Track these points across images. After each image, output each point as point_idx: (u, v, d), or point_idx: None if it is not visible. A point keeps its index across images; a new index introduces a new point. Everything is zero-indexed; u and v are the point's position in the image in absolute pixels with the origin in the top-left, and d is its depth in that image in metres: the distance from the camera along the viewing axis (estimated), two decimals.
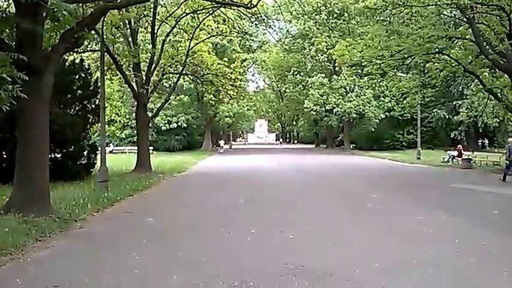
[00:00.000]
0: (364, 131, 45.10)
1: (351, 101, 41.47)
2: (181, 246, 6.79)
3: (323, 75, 44.34)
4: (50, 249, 6.57)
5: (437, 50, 20.83)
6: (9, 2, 9.89)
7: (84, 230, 8.07)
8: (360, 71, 36.52)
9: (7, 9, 9.73)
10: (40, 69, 8.55)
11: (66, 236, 7.52)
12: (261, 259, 6.05)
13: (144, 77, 20.12)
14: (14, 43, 8.58)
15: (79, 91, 15.94)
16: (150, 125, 27.36)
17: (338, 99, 42.02)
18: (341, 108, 41.53)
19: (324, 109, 43.03)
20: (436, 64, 23.11)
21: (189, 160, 28.64)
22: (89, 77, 16.78)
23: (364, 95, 41.73)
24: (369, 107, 41.54)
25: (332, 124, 46.42)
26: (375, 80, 40.61)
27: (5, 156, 13.84)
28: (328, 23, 44.34)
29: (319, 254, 6.27)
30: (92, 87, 16.45)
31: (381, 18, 26.28)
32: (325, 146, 56.42)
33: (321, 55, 43.78)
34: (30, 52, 8.00)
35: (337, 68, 44.31)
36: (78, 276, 5.33)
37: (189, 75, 29.07)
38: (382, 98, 42.77)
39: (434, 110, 40.49)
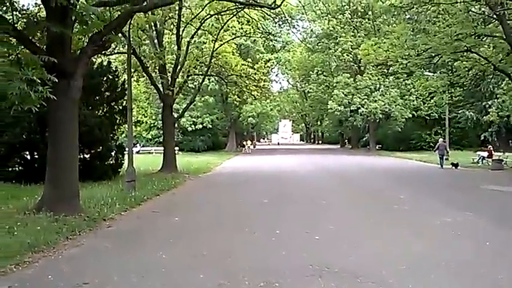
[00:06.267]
0: (390, 131, 44.38)
1: (376, 101, 40.89)
2: (206, 245, 6.85)
3: (348, 75, 43.89)
4: (80, 247, 6.74)
5: (465, 48, 20.34)
6: (40, 6, 10.19)
7: (113, 228, 8.24)
8: (385, 70, 36.00)
9: (38, 14, 10.05)
10: (69, 72, 8.77)
11: (95, 234, 7.70)
12: (286, 259, 6.04)
13: (170, 79, 20.38)
14: (44, 46, 8.82)
15: (107, 93, 16.27)
16: (176, 125, 27.68)
17: (363, 99, 41.49)
18: (366, 108, 41.01)
19: (348, 109, 42.58)
20: (464, 63, 22.59)
21: (213, 160, 28.84)
22: (116, 79, 17.09)
23: (390, 95, 41.09)
24: (395, 106, 40.87)
25: (357, 124, 45.88)
26: (401, 79, 40.10)
27: (36, 156, 14.26)
28: (352, 22, 43.94)
29: (345, 255, 6.21)
30: (119, 89, 16.76)
31: (407, 16, 25.88)
32: (350, 146, 55.83)
33: (346, 55, 43.37)
34: (60, 55, 8.24)
35: (362, 68, 43.79)
36: (107, 273, 5.45)
37: (214, 76, 29.28)
38: (408, 97, 41.98)
39: (462, 110, 39.51)
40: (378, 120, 43.83)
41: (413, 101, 41.70)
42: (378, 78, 41.12)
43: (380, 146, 46.77)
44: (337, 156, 36.47)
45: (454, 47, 20.02)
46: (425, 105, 41.45)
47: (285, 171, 21.84)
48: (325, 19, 45.30)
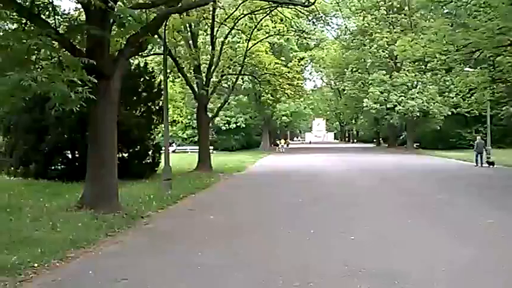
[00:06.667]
0: (428, 129, 43.11)
1: (413, 99, 39.86)
2: (242, 244, 6.90)
3: (383, 71, 43.00)
4: (118, 244, 6.93)
5: (509, 42, 19.46)
6: (81, 10, 10.53)
7: (150, 226, 8.42)
8: (423, 66, 35.04)
9: (78, 18, 10.39)
10: (108, 73, 9.02)
11: (133, 231, 7.90)
12: (321, 259, 5.99)
13: (204, 79, 20.62)
14: (84, 49, 9.10)
15: (144, 93, 16.65)
16: (210, 125, 27.99)
17: (400, 96, 40.55)
18: (403, 106, 40.04)
19: (384, 107, 41.72)
20: (507, 57, 21.62)
21: (247, 159, 28.98)
22: (153, 80, 17.46)
23: (428, 92, 39.95)
24: (433, 103, 39.69)
25: (394, 122, 44.87)
26: (439, 76, 38.88)
27: (77, 155, 14.77)
28: (388, 18, 43.05)
29: (381, 257, 6.09)
30: (155, 90, 17.12)
31: (446, 11, 25.09)
32: (386, 145, 54.69)
33: (382, 51, 42.53)
34: (99, 57, 8.50)
35: (398, 64, 42.79)
36: (145, 270, 5.58)
37: (247, 76, 29.40)
38: (447, 94, 40.67)
39: (506, 107, 37.84)
40: (415, 118, 42.67)
41: (452, 98, 40.32)
42: (415, 75, 40.03)
43: (418, 144, 45.54)
44: (372, 155, 35.85)
45: (496, 42, 19.16)
46: (465, 102, 39.96)
47: (319, 171, 21.64)
48: (360, 15, 44.53)
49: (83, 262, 5.94)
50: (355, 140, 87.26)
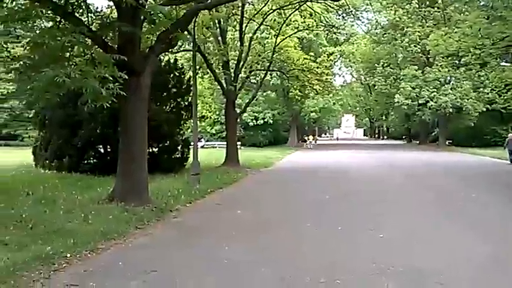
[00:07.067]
0: (462, 126, 41.85)
1: (446, 94, 38.78)
2: (268, 239, 6.91)
3: (415, 67, 41.96)
4: (148, 237, 7.07)
5: None
6: (112, 8, 10.75)
7: (178, 219, 8.55)
8: (456, 61, 34.04)
9: (110, 15, 10.61)
10: (139, 70, 9.16)
11: (162, 224, 8.04)
12: (348, 256, 5.94)
13: (233, 74, 20.70)
14: (116, 46, 9.29)
15: (173, 89, 16.83)
16: (238, 120, 28.09)
17: (432, 92, 39.52)
18: (435, 101, 39.02)
19: (416, 103, 40.76)
20: None
21: (275, 155, 28.96)
22: (182, 76, 17.63)
23: (462, 87, 38.78)
24: (467, 99, 38.50)
25: (425, 119, 43.79)
26: (473, 71, 37.65)
27: (109, 150, 15.12)
28: (420, 11, 41.94)
29: (411, 255, 5.98)
30: (185, 86, 17.30)
31: (482, 3, 24.25)
32: (417, 142, 53.49)
33: (414, 46, 41.52)
34: (130, 53, 8.66)
35: (430, 59, 41.69)
36: (173, 262, 5.69)
37: (276, 71, 29.30)
38: (482, 89, 39.34)
39: None
40: (448, 114, 41.53)
41: (487, 93, 39.00)
42: (448, 70, 38.93)
43: (450, 141, 44.31)
44: (403, 152, 35.09)
45: None
46: (501, 98, 38.60)
47: (348, 167, 21.37)
48: (391, 9, 43.62)
49: (114, 253, 6.09)
50: (385, 137, 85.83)
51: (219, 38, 21.05)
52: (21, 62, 8.67)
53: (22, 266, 5.08)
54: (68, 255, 5.68)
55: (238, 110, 23.82)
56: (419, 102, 40.42)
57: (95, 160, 15.48)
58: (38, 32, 9.04)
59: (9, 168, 16.13)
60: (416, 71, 41.13)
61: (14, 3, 8.87)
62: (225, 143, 22.67)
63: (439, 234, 7.27)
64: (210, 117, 44.47)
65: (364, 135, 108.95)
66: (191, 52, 17.61)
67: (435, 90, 39.56)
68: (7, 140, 42.60)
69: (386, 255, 5.86)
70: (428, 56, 40.96)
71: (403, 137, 64.20)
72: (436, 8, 41.04)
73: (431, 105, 39.39)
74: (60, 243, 6.01)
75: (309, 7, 21.75)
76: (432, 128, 50.31)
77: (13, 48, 12.97)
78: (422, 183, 15.07)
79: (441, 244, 6.55)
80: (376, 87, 50.09)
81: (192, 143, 15.31)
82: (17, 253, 5.49)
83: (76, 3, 8.55)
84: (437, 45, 26.63)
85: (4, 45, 8.73)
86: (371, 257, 5.74)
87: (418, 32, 40.45)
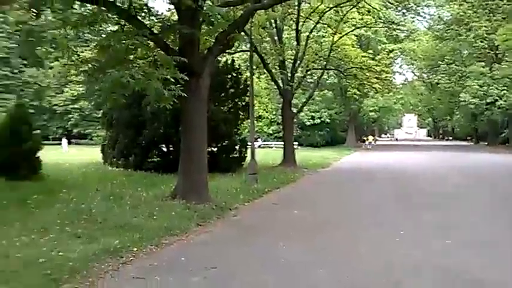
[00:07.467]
0: None
1: None
2: (325, 240, 6.83)
3: (482, 63, 39.65)
4: (209, 234, 7.25)
5: None
6: (172, 11, 11.12)
7: (237, 218, 8.69)
8: None
9: (171, 18, 10.98)
10: (198, 71, 9.38)
11: (222, 222, 8.21)
12: (412, 261, 5.70)
13: (289, 74, 20.67)
14: (177, 48, 9.59)
15: (231, 90, 17.11)
16: (295, 120, 28.00)
17: (501, 90, 37.15)
18: (505, 100, 36.60)
19: (484, 102, 38.49)
20: None
21: (332, 156, 28.56)
22: (240, 76, 17.87)
23: None
24: None
25: (495, 118, 41.20)
26: None
27: (171, 149, 15.67)
28: (487, 5, 39.49)
29: (481, 265, 5.60)
30: (242, 86, 17.52)
31: None
32: (485, 143, 50.45)
33: (480, 41, 39.25)
34: (190, 55, 8.91)
35: (499, 55, 39.18)
36: (232, 260, 5.79)
37: (333, 70, 28.88)
38: None
39: None
40: None
41: None
42: None
43: None
44: (470, 154, 33.02)
45: None
46: None
47: (409, 170, 20.46)
48: (455, 3, 41.48)
49: (176, 249, 6.30)
50: (450, 138, 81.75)
51: (275, 37, 21.10)
52: (90, 65, 9.14)
53: (93, 257, 5.40)
54: (135, 249, 5.95)
55: (294, 110, 23.72)
56: (488, 101, 38.21)
57: (158, 158, 16.11)
58: (104, 35, 9.52)
59: (80, 166, 17.26)
60: (483, 67, 38.89)
61: (83, 9, 9.44)
62: (282, 143, 22.69)
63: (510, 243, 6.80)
64: (267, 117, 44.68)
65: (427, 135, 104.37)
66: (248, 52, 17.82)
67: (505, 88, 37.16)
68: (78, 139, 45.70)
69: (453, 263, 5.59)
70: (497, 51, 38.59)
71: (468, 138, 60.79)
72: (505, 1, 38.51)
73: (501, 104, 37.08)
74: (127, 237, 6.31)
75: (367, 3, 21.20)
76: (502, 129, 47.29)
77: (82, 52, 13.76)
78: (491, 188, 14.06)
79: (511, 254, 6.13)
80: (439, 86, 47.87)
81: (249, 143, 15.48)
82: (88, 245, 5.84)
83: (139, 6, 8.93)
84: (507, 40, 25.03)
85: (74, 49, 9.24)
86: (436, 263, 5.52)
87: (485, 26, 38.21)
